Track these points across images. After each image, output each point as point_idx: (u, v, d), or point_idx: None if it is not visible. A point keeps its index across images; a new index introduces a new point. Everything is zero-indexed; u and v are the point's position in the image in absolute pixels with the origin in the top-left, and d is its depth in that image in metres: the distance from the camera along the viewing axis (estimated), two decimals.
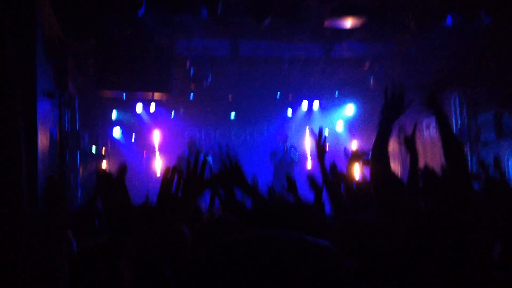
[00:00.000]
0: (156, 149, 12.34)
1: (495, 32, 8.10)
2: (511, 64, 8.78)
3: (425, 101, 2.82)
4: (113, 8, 6.98)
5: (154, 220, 1.53)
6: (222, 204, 2.95)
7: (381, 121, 2.35)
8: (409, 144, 3.36)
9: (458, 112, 10.26)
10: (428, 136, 11.35)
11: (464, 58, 9.18)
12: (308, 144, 13.29)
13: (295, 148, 11.13)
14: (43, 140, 6.62)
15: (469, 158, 10.12)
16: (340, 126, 13.30)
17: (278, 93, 12.58)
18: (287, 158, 10.61)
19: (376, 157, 2.31)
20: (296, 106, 12.99)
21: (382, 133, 2.32)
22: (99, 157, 10.52)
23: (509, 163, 9.12)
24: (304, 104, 12.87)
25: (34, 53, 6.28)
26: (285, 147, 10.65)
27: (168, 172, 1.63)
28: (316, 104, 12.95)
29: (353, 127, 13.03)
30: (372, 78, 10.41)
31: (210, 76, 9.79)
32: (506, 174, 8.11)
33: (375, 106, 12.27)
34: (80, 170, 9.43)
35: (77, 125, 8.95)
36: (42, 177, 6.53)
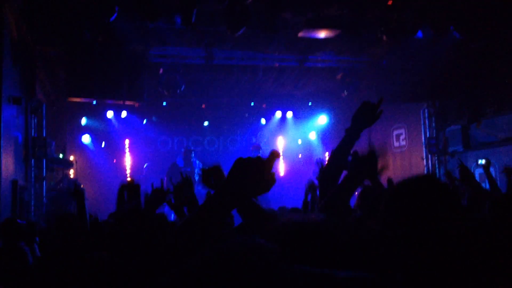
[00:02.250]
0: (128, 156, 12.10)
1: (465, 46, 8.34)
2: (479, 78, 9.05)
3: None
4: (85, 13, 6.83)
5: None
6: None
7: (351, 128, 2.36)
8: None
9: (427, 123, 10.48)
10: (398, 146, 11.56)
11: (434, 71, 9.40)
12: (280, 152, 13.31)
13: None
14: (6, 146, 6.41)
15: (436, 169, 10.35)
16: (313, 136, 13.39)
17: (252, 102, 12.57)
18: None
19: (335, 159, 2.32)
20: (269, 115, 13.01)
21: (350, 138, 2.34)
22: (66, 164, 10.24)
23: (476, 174, 9.37)
24: (278, 113, 12.92)
25: (1, 58, 6.09)
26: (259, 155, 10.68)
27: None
28: (289, 114, 13.01)
29: (325, 136, 13.14)
30: (344, 88, 10.53)
31: (183, 84, 9.69)
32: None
33: (347, 116, 12.45)
34: (47, 178, 9.15)
35: (44, 132, 8.68)
36: (5, 182, 6.31)
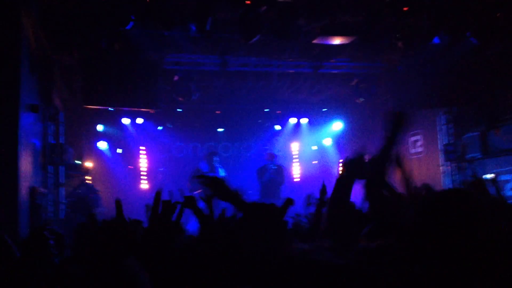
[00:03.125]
0: (144, 163, 12.19)
1: (482, 51, 8.21)
2: (497, 84, 8.90)
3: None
4: (101, 22, 6.92)
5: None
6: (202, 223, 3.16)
7: (391, 134, 2.38)
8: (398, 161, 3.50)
9: (444, 130, 10.33)
10: (415, 152, 11.41)
11: (451, 77, 9.28)
12: (296, 158, 13.25)
13: (283, 167, 11.06)
14: (24, 153, 6.51)
15: (456, 176, 10.17)
16: (328, 142, 13.32)
17: (267, 108, 12.57)
18: (275, 177, 10.52)
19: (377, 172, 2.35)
20: (284, 122, 12.98)
21: (390, 144, 2.37)
22: (83, 170, 10.36)
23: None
24: (292, 120, 12.89)
25: (19, 66, 6.19)
26: (273, 166, 10.58)
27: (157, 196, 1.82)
28: (304, 120, 12.97)
29: (341, 143, 13.05)
30: (360, 94, 10.46)
31: (198, 91, 9.74)
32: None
33: (363, 122, 12.42)
34: (65, 184, 9.26)
35: (62, 139, 8.80)
36: (23, 188, 6.40)
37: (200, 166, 10.59)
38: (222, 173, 10.32)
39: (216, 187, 2.35)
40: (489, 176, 5.30)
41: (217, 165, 10.39)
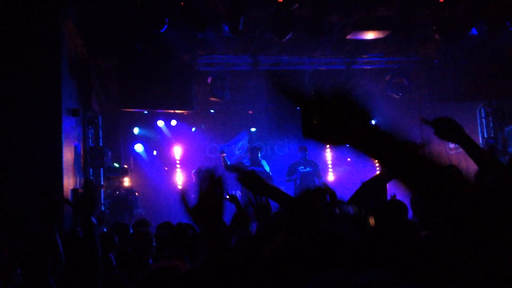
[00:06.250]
0: (178, 163, 12.36)
1: None
2: None
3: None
4: (136, 26, 7.07)
5: None
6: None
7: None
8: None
9: (484, 123, 10.03)
10: (454, 147, 11.12)
11: (490, 69, 9.00)
12: (329, 156, 13.12)
13: (315, 162, 10.93)
14: (67, 155, 6.71)
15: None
16: None
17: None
18: (309, 170, 10.36)
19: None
20: None
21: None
22: (122, 172, 10.59)
23: None
24: None
25: (60, 72, 6.40)
26: (305, 157, 10.43)
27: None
28: None
29: None
30: (394, 90, 10.27)
31: (230, 91, 9.80)
32: None
33: (397, 118, 12.16)
34: (104, 186, 9.50)
35: (101, 142, 9.03)
36: (66, 191, 6.60)
37: (243, 161, 10.59)
38: (266, 167, 10.27)
39: (250, 182, 2.11)
40: None
41: (261, 159, 10.36)
